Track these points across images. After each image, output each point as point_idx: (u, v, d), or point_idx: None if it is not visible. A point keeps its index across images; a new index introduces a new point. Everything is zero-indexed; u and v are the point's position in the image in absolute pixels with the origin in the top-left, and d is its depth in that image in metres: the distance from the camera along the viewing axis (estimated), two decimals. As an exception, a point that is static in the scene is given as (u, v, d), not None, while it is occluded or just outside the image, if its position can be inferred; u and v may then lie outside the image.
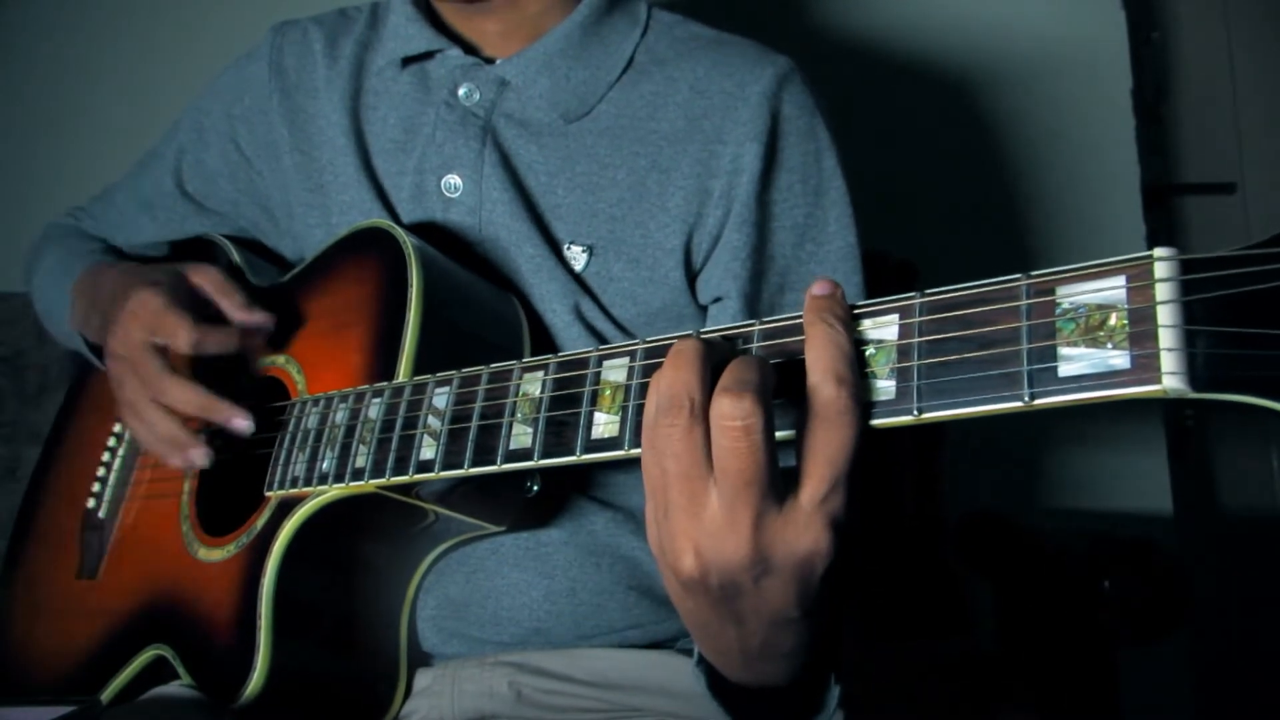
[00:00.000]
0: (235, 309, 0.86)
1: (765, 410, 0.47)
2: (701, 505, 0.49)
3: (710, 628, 0.57)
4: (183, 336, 0.82)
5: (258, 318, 0.86)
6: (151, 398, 0.83)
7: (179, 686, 0.82)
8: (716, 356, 0.50)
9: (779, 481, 0.49)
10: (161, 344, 0.84)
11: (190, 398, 0.82)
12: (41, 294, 1.09)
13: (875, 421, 0.49)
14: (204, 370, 0.86)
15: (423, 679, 0.86)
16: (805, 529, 0.49)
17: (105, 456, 1.00)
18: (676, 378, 0.49)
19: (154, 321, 0.83)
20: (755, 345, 0.54)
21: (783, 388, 0.51)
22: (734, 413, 0.47)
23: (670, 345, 0.57)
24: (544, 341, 0.86)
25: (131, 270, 0.94)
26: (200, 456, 0.82)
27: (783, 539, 0.49)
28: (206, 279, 0.88)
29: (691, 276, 0.89)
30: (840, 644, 0.65)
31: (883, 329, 0.50)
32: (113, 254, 1.08)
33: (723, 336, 0.55)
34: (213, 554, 0.82)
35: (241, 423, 0.81)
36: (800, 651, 0.58)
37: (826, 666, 0.65)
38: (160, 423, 0.83)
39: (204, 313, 0.86)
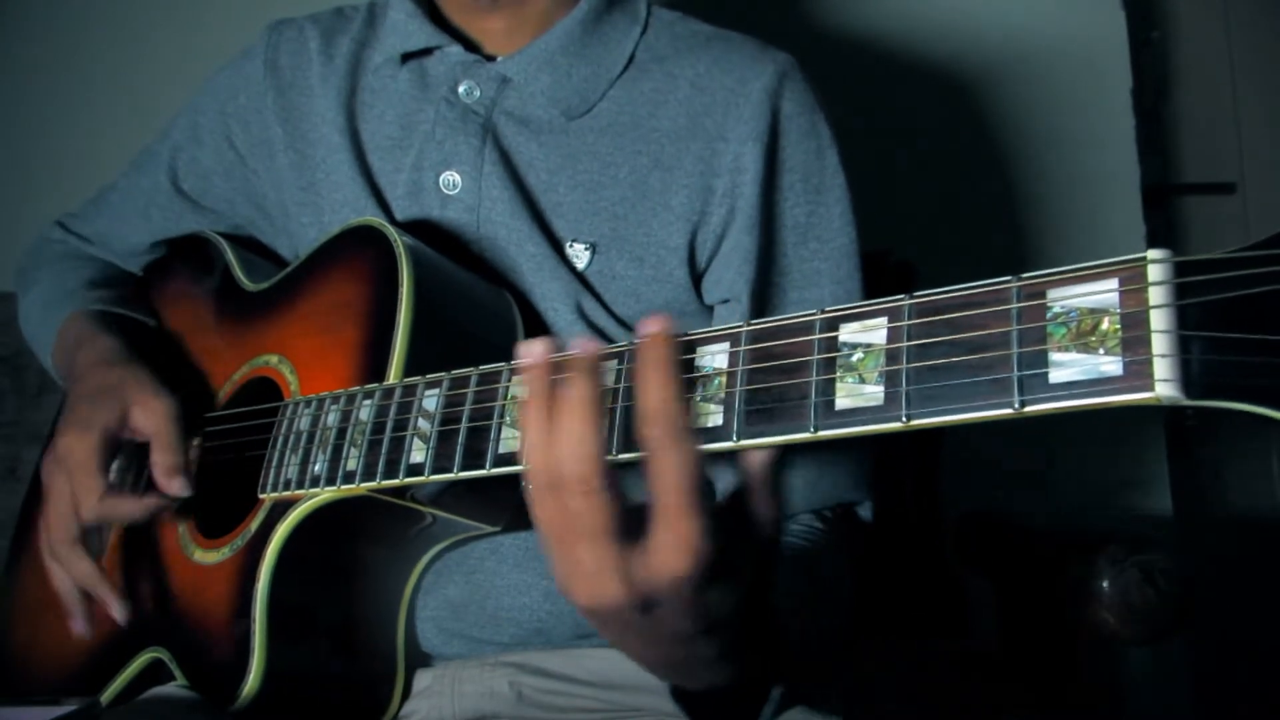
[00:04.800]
0: (162, 473, 0.83)
1: (600, 471, 0.51)
2: (577, 557, 0.53)
3: (626, 647, 0.60)
4: (86, 505, 0.82)
5: (175, 487, 0.83)
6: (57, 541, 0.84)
7: (177, 687, 0.81)
8: None
9: (635, 523, 0.52)
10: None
11: (81, 570, 0.84)
12: (28, 327, 1.08)
13: (864, 428, 0.48)
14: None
15: (423, 679, 0.86)
16: (663, 558, 0.51)
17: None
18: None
19: (73, 475, 0.83)
20: (743, 349, 0.54)
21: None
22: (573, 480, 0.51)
23: None
24: None
25: (86, 372, 0.91)
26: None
27: (649, 572, 0.52)
28: (150, 424, 0.85)
29: (695, 274, 0.89)
30: (775, 642, 0.65)
31: (871, 332, 0.50)
32: (98, 286, 1.06)
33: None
34: (208, 556, 0.82)
35: (118, 613, 0.83)
36: (725, 657, 0.59)
37: (767, 663, 0.65)
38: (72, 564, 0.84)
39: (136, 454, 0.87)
